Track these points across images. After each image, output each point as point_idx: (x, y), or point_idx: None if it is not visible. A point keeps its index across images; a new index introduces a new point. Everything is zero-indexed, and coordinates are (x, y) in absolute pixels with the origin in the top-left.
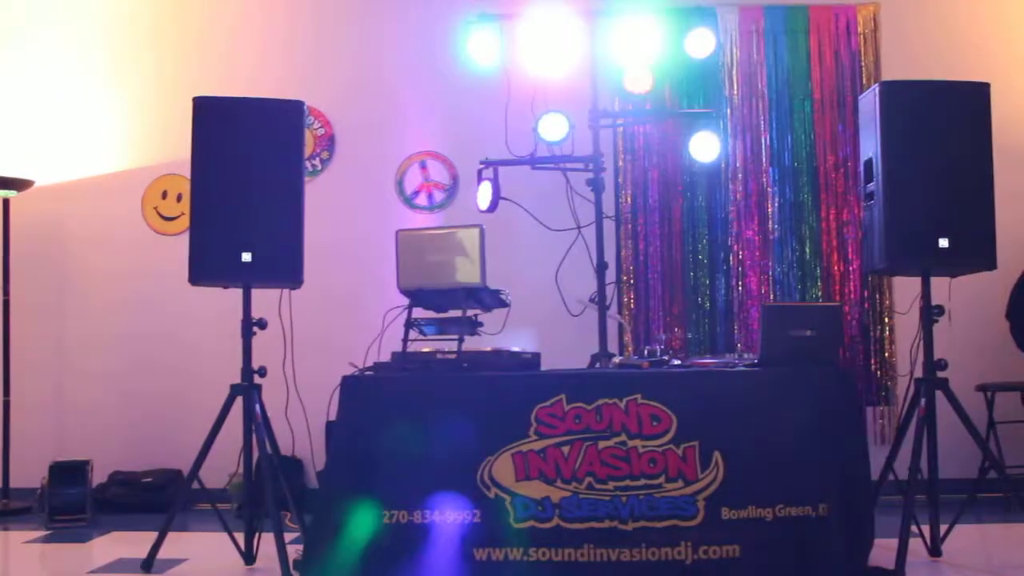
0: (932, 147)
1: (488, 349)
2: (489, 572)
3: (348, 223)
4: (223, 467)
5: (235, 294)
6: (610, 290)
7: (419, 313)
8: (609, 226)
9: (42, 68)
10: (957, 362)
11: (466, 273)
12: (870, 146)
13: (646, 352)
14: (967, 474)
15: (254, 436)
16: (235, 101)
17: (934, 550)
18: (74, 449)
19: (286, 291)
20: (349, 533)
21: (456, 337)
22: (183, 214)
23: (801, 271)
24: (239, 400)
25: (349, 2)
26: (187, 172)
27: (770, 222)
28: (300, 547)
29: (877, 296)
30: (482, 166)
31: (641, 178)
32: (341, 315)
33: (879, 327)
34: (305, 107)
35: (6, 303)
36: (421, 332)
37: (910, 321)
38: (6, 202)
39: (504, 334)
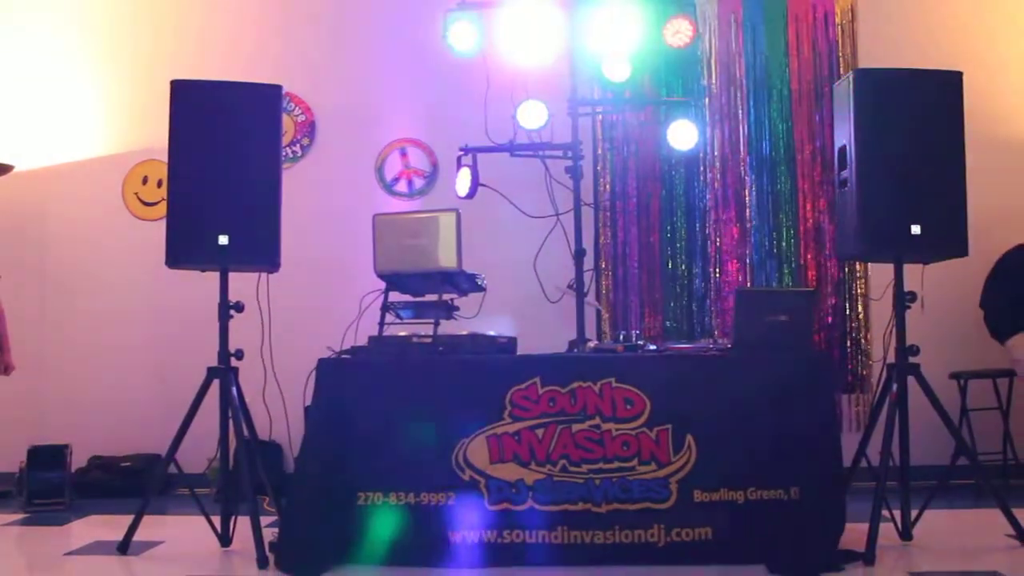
0: (905, 135)
1: (464, 333)
2: (463, 553)
3: (328, 209)
4: (204, 452)
5: (215, 278)
6: (588, 277)
7: (396, 297)
8: (587, 213)
9: (22, 53)
10: (931, 350)
11: (442, 257)
12: (844, 133)
13: (621, 337)
14: (939, 460)
15: (231, 419)
16: (213, 84)
17: (905, 534)
18: (54, 433)
19: (264, 275)
20: (324, 515)
21: (432, 321)
22: (164, 200)
23: (778, 259)
24: (217, 384)
25: None
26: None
27: (747, 210)
28: (276, 530)
29: (852, 283)
30: (462, 153)
31: (620, 166)
32: (319, 300)
33: (854, 315)
34: (283, 91)
35: None
36: (398, 316)
37: (885, 309)
38: None
39: (480, 319)
